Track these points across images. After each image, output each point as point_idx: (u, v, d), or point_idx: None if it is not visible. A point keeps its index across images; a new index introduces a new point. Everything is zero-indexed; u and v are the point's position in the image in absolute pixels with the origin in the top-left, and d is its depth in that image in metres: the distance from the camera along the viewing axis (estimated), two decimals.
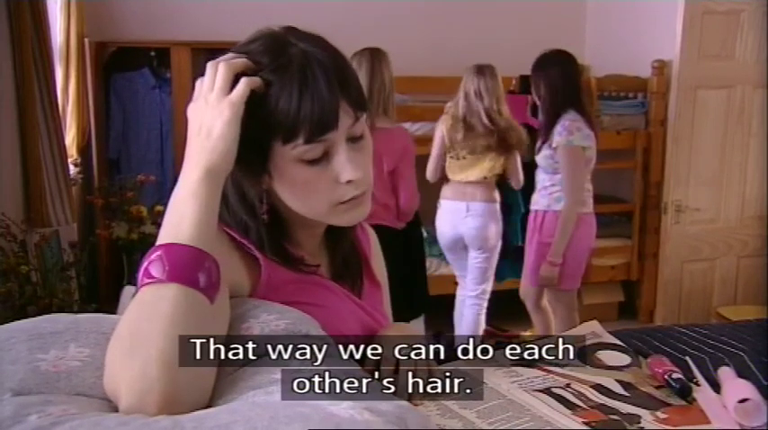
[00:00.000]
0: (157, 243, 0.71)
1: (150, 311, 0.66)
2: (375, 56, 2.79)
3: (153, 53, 3.74)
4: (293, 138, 0.79)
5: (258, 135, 0.79)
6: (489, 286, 3.37)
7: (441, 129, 3.22)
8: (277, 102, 0.78)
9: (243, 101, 0.76)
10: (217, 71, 0.78)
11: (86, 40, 3.42)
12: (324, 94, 0.78)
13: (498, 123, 3.08)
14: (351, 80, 0.82)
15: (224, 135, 0.75)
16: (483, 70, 3.15)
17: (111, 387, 0.64)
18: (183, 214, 0.72)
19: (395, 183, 2.82)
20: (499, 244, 3.32)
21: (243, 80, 0.77)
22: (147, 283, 0.68)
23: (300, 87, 0.78)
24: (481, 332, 3.42)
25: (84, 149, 3.49)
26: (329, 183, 0.82)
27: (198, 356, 0.66)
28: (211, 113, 0.76)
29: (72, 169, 3.03)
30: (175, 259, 0.68)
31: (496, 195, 3.26)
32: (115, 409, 0.63)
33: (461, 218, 3.25)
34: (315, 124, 0.78)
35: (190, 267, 0.68)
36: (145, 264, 0.69)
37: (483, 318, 3.39)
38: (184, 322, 0.65)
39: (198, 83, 0.80)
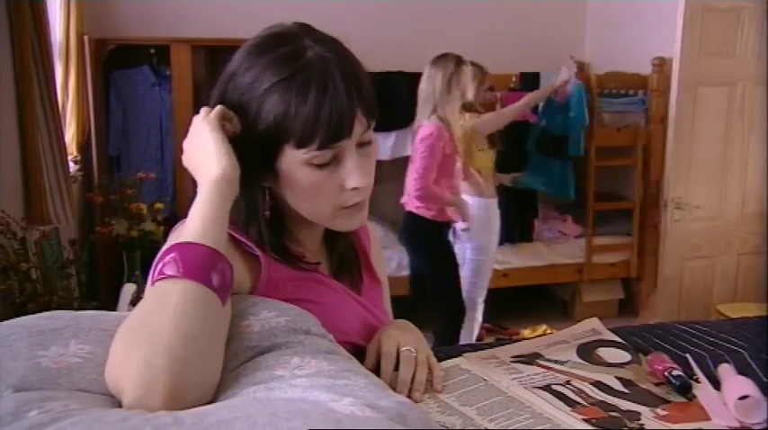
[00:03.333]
0: (176, 241, 0.73)
1: (161, 305, 0.66)
2: (434, 63, 2.99)
3: (153, 50, 3.73)
4: (307, 143, 0.79)
5: (271, 135, 0.80)
6: (485, 280, 3.36)
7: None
8: (294, 106, 0.78)
9: (217, 118, 0.80)
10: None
11: (86, 37, 3.41)
12: (343, 103, 0.79)
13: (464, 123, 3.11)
14: (365, 87, 0.82)
15: (212, 144, 0.78)
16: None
17: (115, 379, 0.64)
18: (197, 218, 0.74)
19: None
20: (492, 239, 3.31)
21: (219, 107, 0.82)
22: (160, 279, 0.68)
23: (319, 94, 0.78)
24: (478, 327, 3.41)
25: (83, 147, 3.49)
26: (335, 188, 0.83)
27: (205, 353, 0.66)
28: (196, 136, 0.81)
29: (72, 166, 3.02)
30: (189, 258, 0.69)
31: (490, 190, 3.26)
32: (116, 405, 0.63)
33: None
34: (331, 132, 0.79)
35: (204, 266, 0.69)
36: (159, 266, 0.70)
37: (479, 313, 3.37)
38: (194, 316, 0.65)
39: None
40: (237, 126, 0.82)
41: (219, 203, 0.75)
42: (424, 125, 2.94)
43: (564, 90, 3.60)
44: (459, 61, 2.98)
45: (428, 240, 3.09)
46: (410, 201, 3.06)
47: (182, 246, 0.71)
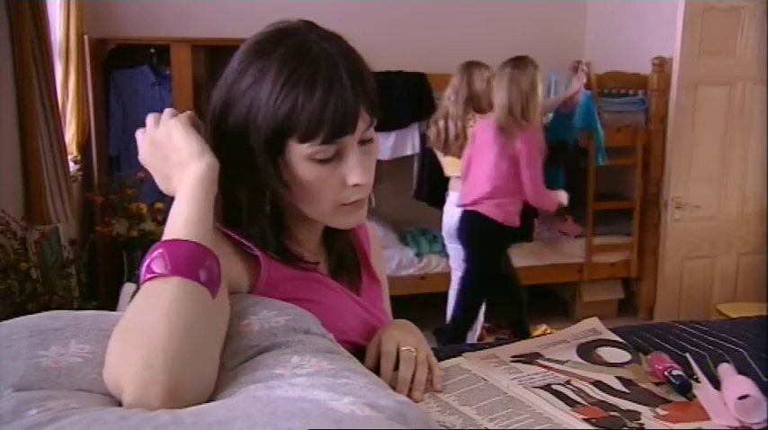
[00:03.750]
0: (162, 239, 0.72)
1: (153, 304, 0.66)
2: (515, 65, 2.98)
3: (153, 50, 3.72)
4: (312, 137, 0.79)
5: (276, 130, 0.80)
6: None
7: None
8: (300, 100, 0.78)
9: (189, 118, 0.80)
10: (159, 117, 0.82)
11: (86, 36, 3.41)
12: (348, 99, 0.79)
13: (457, 123, 3.11)
14: (370, 84, 0.83)
15: (187, 139, 0.77)
16: (459, 66, 3.16)
17: (113, 379, 0.64)
18: (181, 215, 0.73)
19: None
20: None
21: (188, 112, 0.82)
22: (149, 278, 0.68)
23: (325, 89, 0.78)
24: (479, 326, 3.42)
25: (83, 146, 3.49)
26: (336, 184, 0.83)
27: (202, 350, 0.66)
28: (164, 136, 0.80)
29: (72, 166, 3.02)
30: (177, 255, 0.69)
31: None
32: (116, 405, 0.63)
33: (457, 209, 3.27)
34: (336, 127, 0.79)
35: (191, 262, 0.69)
36: (147, 262, 0.69)
37: (481, 312, 3.38)
38: (187, 314, 0.65)
39: (139, 136, 0.85)
40: (204, 136, 0.82)
41: (204, 200, 0.74)
42: (522, 131, 2.94)
43: (573, 101, 3.58)
44: (535, 64, 3.02)
45: (494, 241, 3.13)
46: (479, 203, 3.06)
47: (169, 244, 0.70)
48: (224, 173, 0.78)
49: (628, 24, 4.25)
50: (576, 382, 0.92)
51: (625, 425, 0.81)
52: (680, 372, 0.92)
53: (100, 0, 3.77)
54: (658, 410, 0.86)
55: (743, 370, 0.96)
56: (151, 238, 3.12)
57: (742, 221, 3.66)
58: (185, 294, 0.66)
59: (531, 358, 0.99)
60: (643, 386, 0.92)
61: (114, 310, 0.81)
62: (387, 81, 3.73)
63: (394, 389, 0.80)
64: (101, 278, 3.52)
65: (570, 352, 1.01)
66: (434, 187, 3.76)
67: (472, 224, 3.11)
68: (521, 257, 4.03)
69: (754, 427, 0.82)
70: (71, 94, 3.30)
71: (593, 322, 1.12)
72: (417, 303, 3.13)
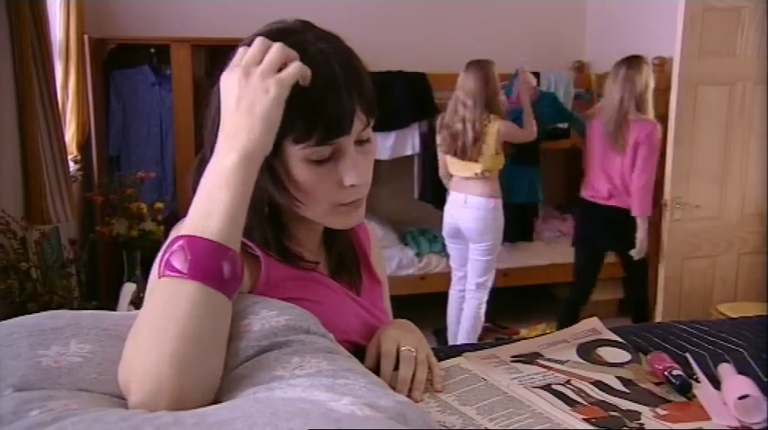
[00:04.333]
0: (184, 229, 0.69)
1: (169, 309, 0.65)
2: (630, 64, 3.16)
3: (153, 50, 3.73)
4: (306, 138, 0.79)
5: None
6: (490, 280, 3.37)
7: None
8: (295, 101, 0.77)
9: (291, 83, 0.73)
10: (269, 47, 0.75)
11: (86, 36, 3.41)
12: (343, 99, 0.78)
13: (475, 127, 3.11)
14: (366, 85, 0.82)
15: (267, 115, 0.71)
16: (469, 66, 3.17)
17: (125, 378, 0.65)
18: (214, 203, 0.70)
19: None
20: (500, 238, 3.32)
21: (297, 63, 0.74)
22: (168, 275, 0.67)
23: (320, 90, 0.77)
24: (480, 327, 3.42)
25: (83, 146, 3.49)
26: (332, 185, 0.83)
27: (209, 356, 0.66)
28: (255, 88, 0.72)
29: (72, 166, 3.03)
30: (199, 252, 0.67)
31: (497, 191, 3.27)
32: (117, 405, 0.64)
33: (460, 209, 3.27)
34: (331, 127, 0.79)
35: (212, 263, 0.67)
36: (166, 255, 0.68)
37: (483, 312, 3.39)
38: (201, 323, 0.65)
39: (241, 50, 0.76)
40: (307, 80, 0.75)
41: (240, 185, 0.70)
42: (641, 122, 3.09)
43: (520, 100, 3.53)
44: (647, 62, 3.20)
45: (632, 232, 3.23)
46: (613, 197, 3.22)
47: (192, 240, 0.67)
48: None
49: (628, 24, 4.24)
50: (576, 382, 0.92)
51: (625, 425, 0.81)
52: (680, 372, 0.92)
53: (100, 0, 3.77)
54: (658, 410, 0.86)
55: (743, 370, 0.96)
56: (151, 238, 3.12)
57: (742, 221, 3.65)
58: (202, 302, 0.65)
59: (531, 358, 0.99)
60: (643, 386, 0.92)
61: (114, 310, 0.81)
62: (387, 81, 3.73)
63: (394, 389, 0.80)
64: (101, 278, 3.52)
65: (570, 352, 1.01)
66: (436, 187, 3.76)
67: (611, 218, 3.25)
68: (521, 257, 4.04)
69: (754, 427, 0.82)
70: (71, 94, 3.30)
71: (593, 322, 1.12)
72: (417, 303, 3.13)
